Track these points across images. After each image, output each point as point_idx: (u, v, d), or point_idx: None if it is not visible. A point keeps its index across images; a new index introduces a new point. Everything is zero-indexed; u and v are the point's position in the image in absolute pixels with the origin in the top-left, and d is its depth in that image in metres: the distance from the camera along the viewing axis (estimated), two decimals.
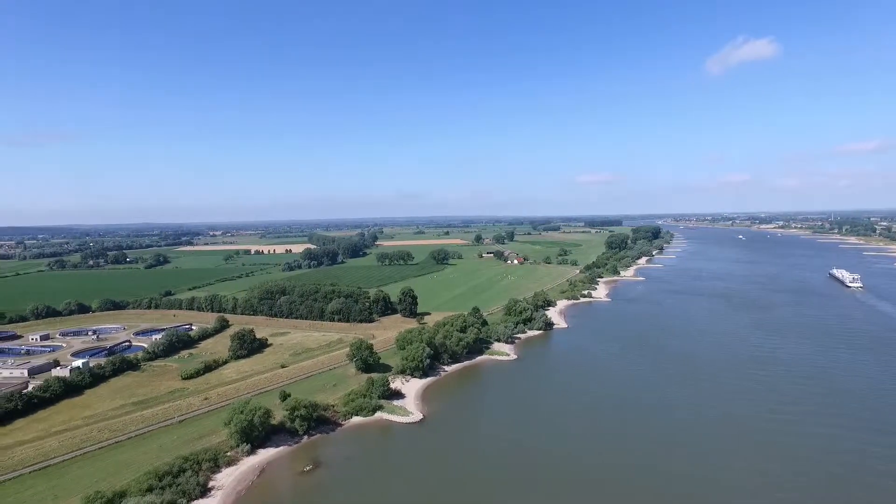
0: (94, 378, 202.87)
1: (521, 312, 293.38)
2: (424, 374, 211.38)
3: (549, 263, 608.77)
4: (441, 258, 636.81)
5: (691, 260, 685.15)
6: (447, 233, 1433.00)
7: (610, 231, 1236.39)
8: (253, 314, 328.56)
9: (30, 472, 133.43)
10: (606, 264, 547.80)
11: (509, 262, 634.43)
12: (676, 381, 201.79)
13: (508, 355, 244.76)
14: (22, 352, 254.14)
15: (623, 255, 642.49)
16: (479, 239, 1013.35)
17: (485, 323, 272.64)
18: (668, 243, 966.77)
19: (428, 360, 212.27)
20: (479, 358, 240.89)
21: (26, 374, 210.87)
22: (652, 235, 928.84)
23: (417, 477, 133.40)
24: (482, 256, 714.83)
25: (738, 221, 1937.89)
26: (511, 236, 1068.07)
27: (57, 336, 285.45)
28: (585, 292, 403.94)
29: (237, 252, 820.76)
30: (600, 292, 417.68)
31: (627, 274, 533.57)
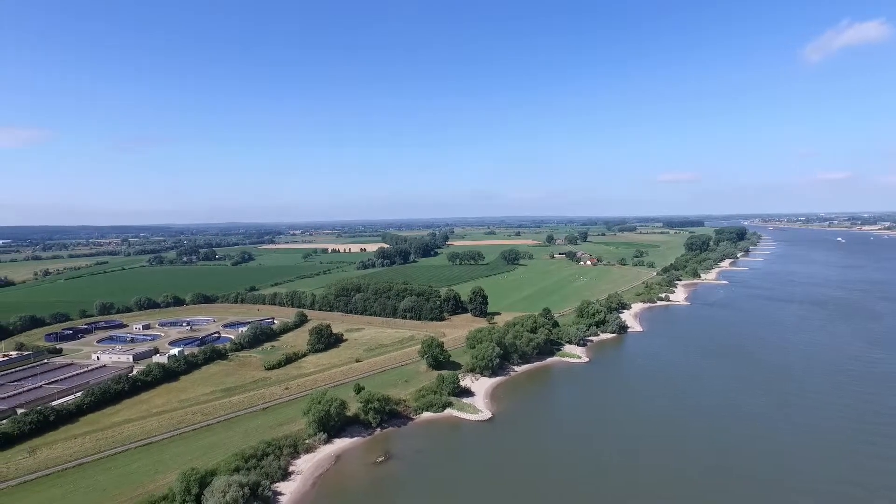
0: (188, 365, 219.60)
1: (593, 314, 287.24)
2: (494, 374, 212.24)
3: (623, 265, 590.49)
4: (512, 258, 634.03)
5: (781, 263, 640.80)
6: (518, 233, 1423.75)
7: (690, 232, 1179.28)
8: (329, 310, 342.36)
9: (135, 448, 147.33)
10: (686, 266, 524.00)
11: (582, 263, 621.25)
12: (760, 391, 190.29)
13: (580, 358, 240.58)
14: (127, 339, 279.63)
15: (704, 258, 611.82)
16: (550, 239, 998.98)
17: (556, 324, 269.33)
18: (755, 245, 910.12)
19: (497, 360, 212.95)
20: (550, 359, 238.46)
21: (131, 359, 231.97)
22: (736, 237, 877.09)
23: (486, 474, 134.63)
24: (554, 257, 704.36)
25: (835, 222, 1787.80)
26: (584, 237, 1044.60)
27: (156, 326, 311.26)
28: (663, 295, 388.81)
29: (315, 250, 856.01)
30: (678, 296, 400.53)
31: (709, 277, 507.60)
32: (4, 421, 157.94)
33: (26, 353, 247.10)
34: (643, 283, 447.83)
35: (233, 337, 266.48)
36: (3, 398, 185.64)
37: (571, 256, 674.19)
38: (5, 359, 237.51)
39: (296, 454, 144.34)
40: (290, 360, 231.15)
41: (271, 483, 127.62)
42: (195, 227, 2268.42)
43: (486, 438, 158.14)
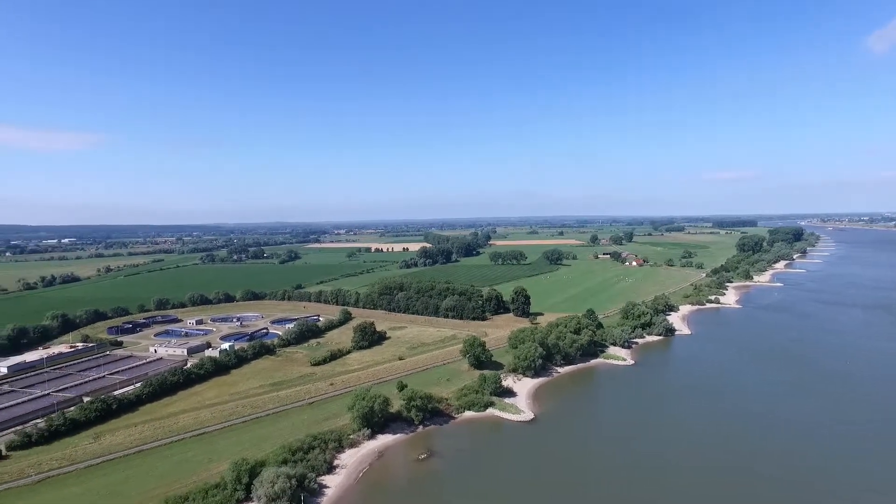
0: (238, 360, 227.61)
1: (639, 316, 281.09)
2: (536, 374, 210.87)
3: (671, 266, 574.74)
4: (555, 258, 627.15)
5: (842, 265, 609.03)
6: (561, 233, 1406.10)
7: (742, 232, 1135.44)
8: (373, 308, 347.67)
9: (190, 437, 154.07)
10: (737, 268, 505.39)
11: (627, 263, 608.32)
12: (819, 399, 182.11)
13: (625, 360, 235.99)
14: (182, 333, 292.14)
15: (757, 259, 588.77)
16: (594, 239, 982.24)
17: (600, 325, 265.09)
18: (813, 246, 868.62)
19: (540, 361, 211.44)
20: (594, 361, 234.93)
21: (186, 353, 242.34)
22: (792, 237, 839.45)
23: (528, 474, 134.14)
24: (598, 257, 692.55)
25: None
26: (629, 237, 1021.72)
27: (209, 321, 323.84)
28: (712, 297, 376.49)
29: (359, 249, 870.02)
30: (729, 298, 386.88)
31: (762, 279, 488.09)
32: (72, 408, 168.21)
33: (91, 344, 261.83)
34: (691, 284, 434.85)
35: (280, 333, 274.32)
36: (71, 386, 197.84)
37: (616, 257, 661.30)
38: (72, 350, 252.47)
39: (340, 448, 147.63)
40: (334, 356, 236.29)
41: (317, 476, 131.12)
42: (245, 227, 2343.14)
43: (528, 439, 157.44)
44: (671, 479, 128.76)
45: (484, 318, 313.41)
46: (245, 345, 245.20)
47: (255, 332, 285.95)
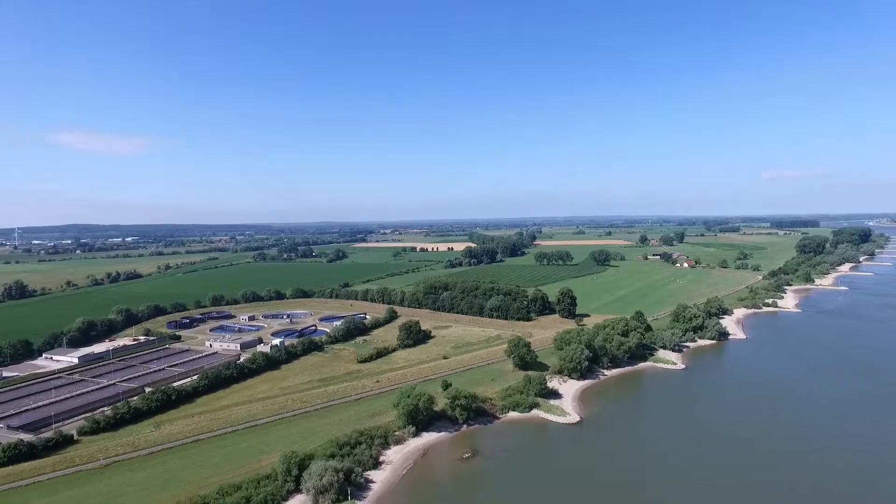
0: (288, 355, 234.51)
1: (690, 319, 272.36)
2: (582, 376, 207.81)
3: (724, 268, 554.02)
4: (602, 259, 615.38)
5: None
6: (609, 233, 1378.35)
7: (802, 233, 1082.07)
8: (418, 307, 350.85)
9: (243, 429, 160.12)
10: (797, 270, 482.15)
11: (678, 265, 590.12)
12: (888, 412, 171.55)
13: (675, 364, 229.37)
14: (235, 329, 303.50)
15: (819, 261, 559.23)
16: (644, 240, 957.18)
17: (649, 328, 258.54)
18: (882, 248, 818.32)
19: (586, 363, 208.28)
20: (642, 364, 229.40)
21: (239, 347, 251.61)
22: (859, 238, 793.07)
23: (574, 476, 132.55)
24: (647, 258, 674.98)
25: None
26: (681, 237, 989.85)
27: (260, 317, 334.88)
28: (769, 301, 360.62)
29: (405, 249, 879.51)
30: (788, 301, 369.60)
31: (824, 282, 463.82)
32: (136, 398, 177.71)
33: (152, 338, 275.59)
34: (747, 287, 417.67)
35: (328, 330, 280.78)
36: (135, 377, 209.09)
37: (666, 258, 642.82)
38: (135, 343, 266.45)
39: (386, 445, 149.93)
40: (380, 354, 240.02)
41: (363, 471, 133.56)
42: (294, 226, 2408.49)
43: (574, 442, 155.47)
44: (720, 491, 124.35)
45: (529, 319, 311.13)
46: (295, 341, 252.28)
47: (304, 328, 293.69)
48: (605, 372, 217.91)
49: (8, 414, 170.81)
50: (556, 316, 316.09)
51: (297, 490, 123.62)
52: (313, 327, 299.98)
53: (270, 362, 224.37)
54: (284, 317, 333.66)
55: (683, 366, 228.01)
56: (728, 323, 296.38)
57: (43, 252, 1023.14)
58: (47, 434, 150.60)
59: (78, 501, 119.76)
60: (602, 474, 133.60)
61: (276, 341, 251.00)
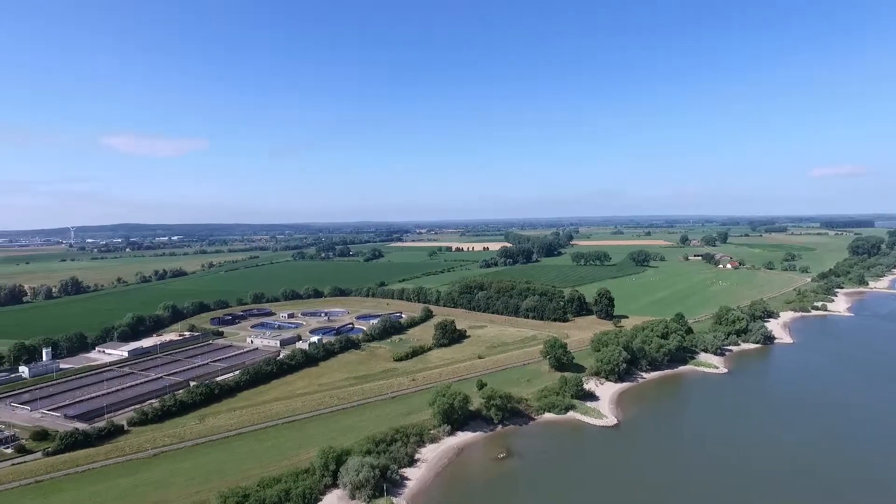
0: (326, 353, 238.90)
1: (733, 322, 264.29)
2: (620, 379, 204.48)
3: (770, 269, 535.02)
4: (641, 260, 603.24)
5: None
6: (648, 233, 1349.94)
7: (855, 233, 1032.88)
8: (453, 306, 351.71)
9: (282, 424, 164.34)
10: (849, 273, 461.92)
11: (721, 266, 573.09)
12: None
13: (717, 368, 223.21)
14: (275, 326, 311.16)
15: (873, 263, 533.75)
16: (685, 240, 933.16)
17: (689, 331, 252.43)
18: None
19: (624, 365, 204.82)
20: (682, 368, 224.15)
21: (279, 344, 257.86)
22: None
23: (610, 480, 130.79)
24: (688, 259, 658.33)
25: None
26: (724, 238, 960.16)
27: (299, 315, 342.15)
28: (819, 304, 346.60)
29: (440, 248, 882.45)
30: (839, 305, 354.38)
31: (879, 285, 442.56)
32: (181, 391, 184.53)
33: (196, 334, 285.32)
34: (795, 289, 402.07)
35: (365, 328, 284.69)
36: (180, 371, 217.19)
37: (709, 259, 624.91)
38: (181, 338, 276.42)
39: (421, 443, 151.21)
40: (416, 352, 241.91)
41: (399, 468, 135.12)
42: (332, 226, 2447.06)
43: (611, 445, 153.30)
44: (762, 501, 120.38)
45: (565, 320, 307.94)
46: (332, 339, 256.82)
47: (342, 326, 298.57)
48: (644, 375, 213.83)
49: (65, 403, 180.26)
50: (593, 317, 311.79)
51: (335, 485, 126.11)
52: (350, 325, 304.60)
53: (309, 359, 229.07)
54: (322, 315, 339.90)
55: (726, 370, 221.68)
56: (774, 326, 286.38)
57: (96, 250, 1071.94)
58: (100, 424, 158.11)
59: (130, 489, 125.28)
60: (640, 479, 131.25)
61: (315, 339, 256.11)
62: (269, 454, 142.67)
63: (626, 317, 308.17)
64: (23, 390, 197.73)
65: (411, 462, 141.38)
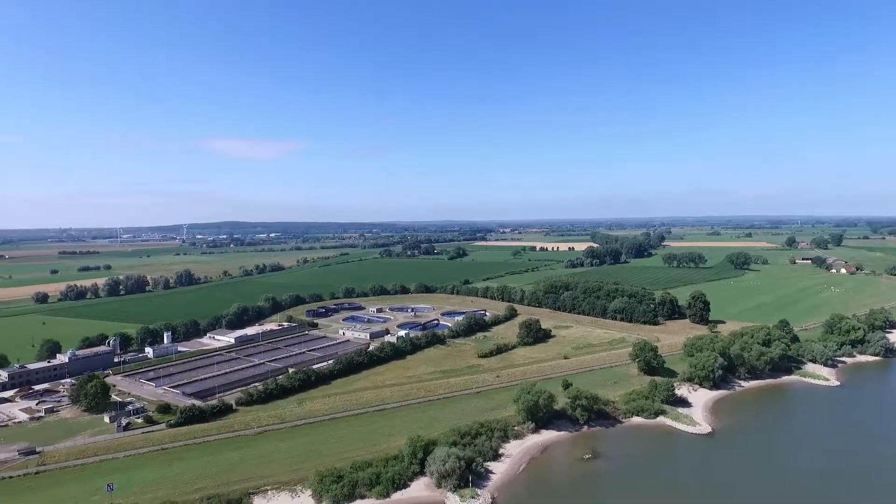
0: (413, 347, 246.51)
1: (848, 331, 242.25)
2: (715, 386, 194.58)
3: (893, 275, 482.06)
4: (740, 262, 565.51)
5: None
6: (749, 234, 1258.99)
7: None
8: (538, 306, 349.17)
9: (372, 412, 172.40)
10: None
11: (834, 270, 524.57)
12: None
13: (827, 380, 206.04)
14: (365, 320, 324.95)
15: None
16: (791, 242, 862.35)
17: (795, 339, 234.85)
18: None
19: (720, 372, 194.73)
20: (786, 378, 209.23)
21: (368, 337, 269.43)
22: None
23: (702, 490, 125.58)
24: (795, 263, 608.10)
25: None
26: (837, 240, 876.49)
27: (387, 310, 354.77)
28: None
29: (524, 248, 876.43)
30: None
31: None
32: (281, 376, 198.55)
33: (293, 324, 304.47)
34: None
35: (450, 325, 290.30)
36: (280, 358, 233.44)
37: (819, 262, 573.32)
38: (280, 328, 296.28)
39: (505, 438, 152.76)
40: (500, 350, 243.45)
41: (483, 461, 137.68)
42: (417, 225, 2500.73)
43: (704, 454, 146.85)
44: None
45: (656, 323, 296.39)
46: (419, 333, 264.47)
47: (427, 322, 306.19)
48: (742, 383, 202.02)
49: (183, 382, 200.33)
50: (686, 321, 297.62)
51: (422, 472, 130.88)
52: (436, 321, 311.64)
53: (397, 352, 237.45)
54: (409, 310, 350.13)
55: (837, 383, 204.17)
56: None
57: (205, 245, 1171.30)
58: (213, 402, 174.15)
59: (238, 462, 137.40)
60: (733, 490, 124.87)
61: (402, 333, 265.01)
62: (360, 439, 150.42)
63: (723, 322, 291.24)
64: (148, 368, 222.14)
65: (495, 456, 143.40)
